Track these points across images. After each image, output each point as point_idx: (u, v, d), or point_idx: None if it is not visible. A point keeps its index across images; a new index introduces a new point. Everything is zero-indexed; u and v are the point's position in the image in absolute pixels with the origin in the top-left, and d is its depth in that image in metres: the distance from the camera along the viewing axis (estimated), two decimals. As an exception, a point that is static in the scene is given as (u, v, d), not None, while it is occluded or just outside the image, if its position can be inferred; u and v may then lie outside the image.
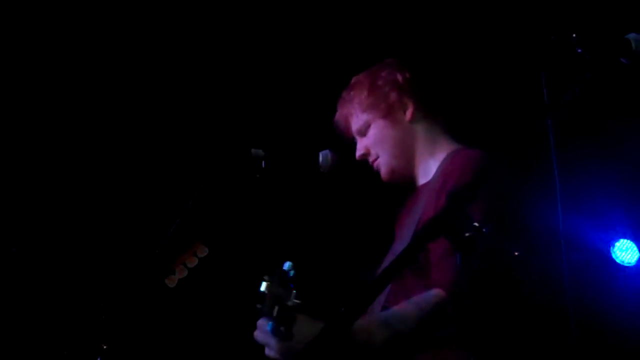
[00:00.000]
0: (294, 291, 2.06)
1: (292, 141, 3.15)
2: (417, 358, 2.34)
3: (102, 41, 4.06)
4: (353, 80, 2.84)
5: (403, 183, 2.78)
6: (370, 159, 2.77)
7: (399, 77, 2.74)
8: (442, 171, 2.54)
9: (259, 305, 2.10)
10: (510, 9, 3.88)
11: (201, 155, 3.80)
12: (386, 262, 2.63)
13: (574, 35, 1.97)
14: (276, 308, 2.04)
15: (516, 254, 1.89)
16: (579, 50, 1.97)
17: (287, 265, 2.10)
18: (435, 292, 2.26)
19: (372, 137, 2.76)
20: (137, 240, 3.85)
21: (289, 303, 2.04)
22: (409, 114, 2.72)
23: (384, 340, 2.24)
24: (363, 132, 2.79)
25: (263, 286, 2.07)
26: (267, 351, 2.21)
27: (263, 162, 2.75)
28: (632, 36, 1.97)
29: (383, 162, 2.75)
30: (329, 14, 4.08)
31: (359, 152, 2.79)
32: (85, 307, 3.75)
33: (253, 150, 2.75)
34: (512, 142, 1.79)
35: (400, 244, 2.61)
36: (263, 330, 2.13)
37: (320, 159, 2.80)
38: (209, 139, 4.11)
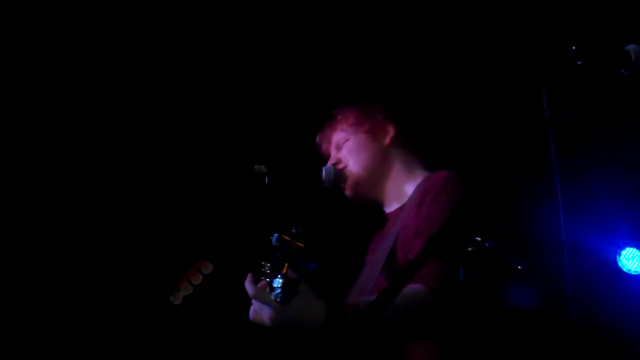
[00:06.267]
0: (302, 245, 2.06)
1: (295, 157, 3.15)
2: (394, 347, 2.37)
3: (112, 61, 4.08)
4: (346, 106, 2.95)
5: (365, 200, 2.84)
6: (339, 167, 2.82)
7: (388, 108, 2.90)
8: (420, 190, 2.59)
9: (266, 263, 2.08)
10: (511, 22, 3.90)
11: (205, 172, 3.80)
12: (356, 288, 2.67)
13: (574, 47, 1.97)
14: (285, 265, 2.03)
15: (519, 267, 1.89)
16: (579, 63, 1.97)
17: (294, 229, 2.10)
18: (418, 286, 2.27)
19: (348, 147, 2.84)
20: (141, 258, 3.85)
21: (299, 258, 2.03)
22: (388, 138, 2.83)
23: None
24: (340, 146, 2.87)
25: (274, 239, 2.06)
26: (253, 314, 2.16)
27: (266, 178, 2.76)
28: (631, 47, 1.98)
29: (350, 172, 2.80)
30: (333, 33, 4.11)
31: (330, 162, 2.86)
32: (91, 325, 3.75)
33: (256, 167, 2.76)
34: (513, 154, 1.79)
35: (370, 270, 2.64)
36: (261, 293, 2.09)
37: (323, 174, 2.81)
38: (212, 155, 4.12)
